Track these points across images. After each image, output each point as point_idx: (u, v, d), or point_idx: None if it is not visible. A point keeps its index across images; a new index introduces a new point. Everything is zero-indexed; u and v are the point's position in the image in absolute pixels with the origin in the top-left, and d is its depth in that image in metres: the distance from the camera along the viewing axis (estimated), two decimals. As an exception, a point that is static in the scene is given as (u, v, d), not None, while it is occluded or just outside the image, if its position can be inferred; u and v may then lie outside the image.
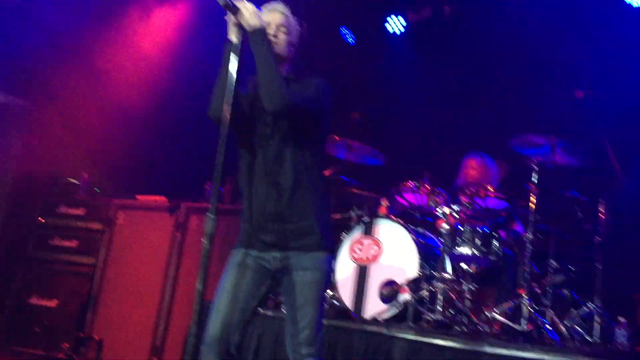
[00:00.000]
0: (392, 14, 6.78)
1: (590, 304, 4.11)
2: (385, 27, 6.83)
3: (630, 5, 5.66)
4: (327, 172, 4.85)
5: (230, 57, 2.42)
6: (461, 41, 6.66)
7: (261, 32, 2.50)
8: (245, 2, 2.49)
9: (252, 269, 2.60)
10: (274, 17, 2.67)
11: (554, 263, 4.34)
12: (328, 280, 2.68)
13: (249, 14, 2.46)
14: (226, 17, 2.50)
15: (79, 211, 5.81)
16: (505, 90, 6.32)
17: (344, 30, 6.99)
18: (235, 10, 2.43)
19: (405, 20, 6.77)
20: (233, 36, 2.49)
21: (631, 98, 5.50)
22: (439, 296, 4.16)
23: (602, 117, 4.82)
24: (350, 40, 7.05)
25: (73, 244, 5.74)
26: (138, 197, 5.82)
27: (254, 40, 2.49)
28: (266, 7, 2.71)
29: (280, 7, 2.73)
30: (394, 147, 5.95)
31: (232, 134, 2.40)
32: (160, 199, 5.64)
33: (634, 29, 5.64)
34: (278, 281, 2.64)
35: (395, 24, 6.76)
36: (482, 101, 6.43)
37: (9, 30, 5.93)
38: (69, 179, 6.09)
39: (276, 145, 2.60)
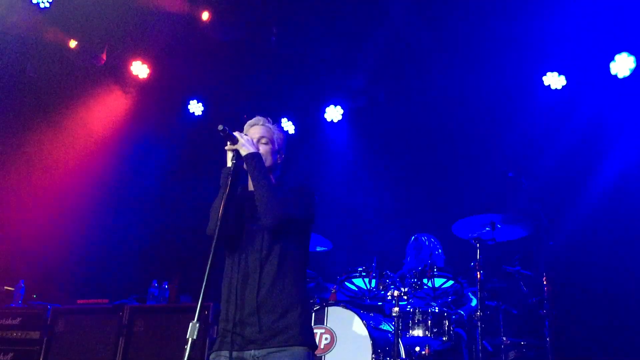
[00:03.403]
0: (331, 103, 7.05)
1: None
2: (324, 117, 7.07)
3: (548, 87, 6.09)
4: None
5: (228, 180, 2.70)
6: (397, 126, 6.93)
7: (254, 156, 2.75)
8: (241, 133, 2.81)
9: None
10: (252, 132, 2.90)
11: (505, 339, 4.35)
12: None
13: (244, 142, 2.75)
14: (226, 147, 2.79)
15: (15, 321, 5.49)
16: (443, 172, 6.55)
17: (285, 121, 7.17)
18: (234, 140, 2.74)
19: (343, 109, 7.03)
20: (229, 161, 2.77)
21: (557, 171, 5.82)
22: (395, 383, 4.08)
23: (537, 191, 5.03)
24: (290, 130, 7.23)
25: (8, 357, 5.37)
26: (79, 301, 5.56)
27: (249, 164, 2.74)
28: (248, 124, 2.95)
29: (260, 120, 2.95)
30: (340, 232, 5.98)
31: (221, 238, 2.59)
32: (102, 302, 5.40)
33: (554, 109, 6.05)
34: None
35: (334, 113, 7.02)
36: (422, 183, 6.62)
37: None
38: (5, 287, 5.79)
39: (266, 240, 2.70)
